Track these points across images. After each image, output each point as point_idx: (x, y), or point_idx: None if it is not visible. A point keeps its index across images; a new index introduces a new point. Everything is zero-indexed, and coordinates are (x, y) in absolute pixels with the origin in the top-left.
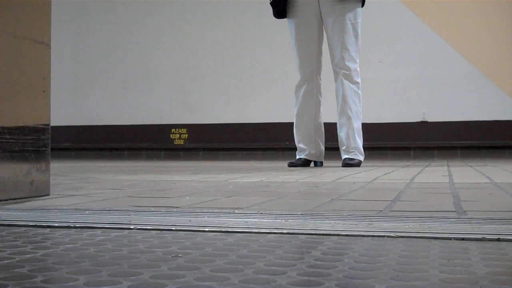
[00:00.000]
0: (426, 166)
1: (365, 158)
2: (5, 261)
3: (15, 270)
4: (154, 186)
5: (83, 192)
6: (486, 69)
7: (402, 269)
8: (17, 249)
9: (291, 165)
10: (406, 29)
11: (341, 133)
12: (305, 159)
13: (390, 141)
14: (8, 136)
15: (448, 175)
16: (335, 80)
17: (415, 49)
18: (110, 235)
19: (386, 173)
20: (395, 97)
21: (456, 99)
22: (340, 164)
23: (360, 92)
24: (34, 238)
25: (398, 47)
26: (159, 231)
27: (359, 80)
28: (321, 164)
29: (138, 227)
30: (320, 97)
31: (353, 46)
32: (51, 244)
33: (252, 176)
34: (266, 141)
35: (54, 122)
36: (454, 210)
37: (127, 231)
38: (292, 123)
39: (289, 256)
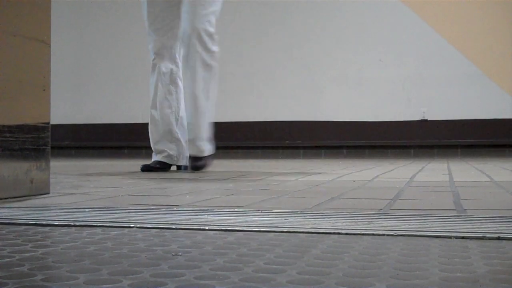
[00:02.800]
0: (426, 165)
1: (365, 157)
2: (5, 260)
3: (15, 268)
4: (154, 185)
5: (83, 190)
6: (486, 67)
7: (402, 268)
8: (17, 247)
9: (145, 168)
10: (406, 28)
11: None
12: (163, 162)
13: (390, 139)
14: (8, 135)
15: (448, 174)
16: (184, 46)
17: (415, 47)
18: (110, 234)
19: (386, 172)
20: (395, 95)
21: (456, 98)
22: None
23: (214, 65)
24: (34, 237)
25: (398, 46)
26: (159, 230)
27: (215, 49)
28: (186, 168)
29: (138, 226)
30: (180, 82)
31: (212, 7)
32: (51, 242)
33: (252, 174)
34: (266, 140)
35: (54, 121)
36: (454, 208)
37: (127, 229)
38: (293, 121)
39: (289, 255)
